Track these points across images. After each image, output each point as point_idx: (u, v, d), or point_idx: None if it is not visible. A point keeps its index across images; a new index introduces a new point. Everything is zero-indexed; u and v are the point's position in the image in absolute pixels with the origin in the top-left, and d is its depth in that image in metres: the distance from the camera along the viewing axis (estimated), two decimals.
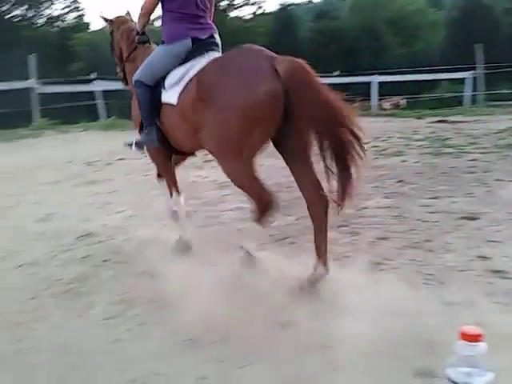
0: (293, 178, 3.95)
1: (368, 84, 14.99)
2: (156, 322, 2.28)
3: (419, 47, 32.72)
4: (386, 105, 18.55)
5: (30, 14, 49.53)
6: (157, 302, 2.46)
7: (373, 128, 9.38)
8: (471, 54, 16.70)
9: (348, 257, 2.98)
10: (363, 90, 18.58)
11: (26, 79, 11.57)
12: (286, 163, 2.63)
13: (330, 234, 2.66)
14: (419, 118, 11.41)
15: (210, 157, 6.42)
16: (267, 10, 46.39)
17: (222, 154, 2.57)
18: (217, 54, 2.81)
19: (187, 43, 2.77)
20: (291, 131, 2.47)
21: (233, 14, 47.55)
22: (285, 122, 2.43)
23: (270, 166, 6.04)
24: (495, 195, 4.29)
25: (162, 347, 2.06)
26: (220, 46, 2.94)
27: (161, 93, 2.79)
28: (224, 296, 2.24)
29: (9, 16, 46.95)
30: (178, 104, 2.66)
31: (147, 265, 2.87)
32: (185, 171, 5.86)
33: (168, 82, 2.75)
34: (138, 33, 3.09)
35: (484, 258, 2.93)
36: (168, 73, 2.77)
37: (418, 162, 5.87)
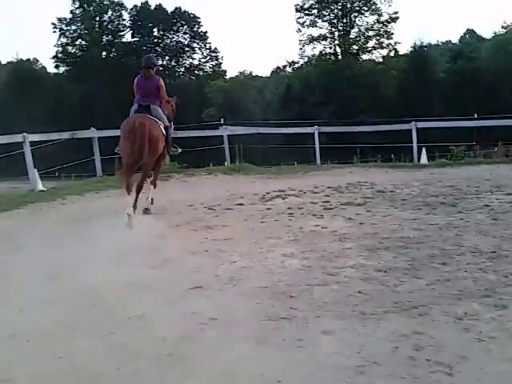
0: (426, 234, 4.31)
1: (509, 128, 13.65)
2: None
3: None
4: None
5: (173, 63, 54.71)
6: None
7: None
8: None
9: (493, 338, 2.41)
10: (504, 134, 17.08)
11: None
12: None
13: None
14: None
15: (331, 205, 6.22)
16: (401, 52, 46.13)
17: None
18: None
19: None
20: None
21: (364, 56, 47.93)
22: None
23: (395, 216, 5.61)
24: None
25: None
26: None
27: None
28: None
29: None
30: None
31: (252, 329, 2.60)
32: (303, 219, 5.68)
33: None
34: None
35: None
36: None
37: None
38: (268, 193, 7.69)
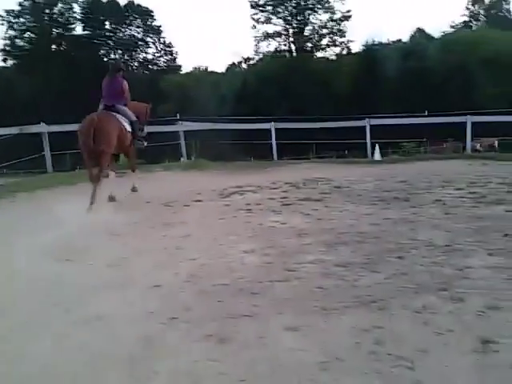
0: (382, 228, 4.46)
1: (458, 124, 14.16)
2: None
3: None
4: (478, 146, 17.50)
5: (126, 57, 53.58)
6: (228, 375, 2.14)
7: (469, 171, 8.69)
8: None
9: (451, 331, 2.48)
10: (453, 131, 17.72)
11: None
12: None
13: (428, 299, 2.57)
14: None
15: (289, 201, 6.25)
16: (354, 50, 47.08)
17: None
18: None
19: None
20: None
21: (318, 54, 48.57)
22: None
23: (351, 211, 5.70)
24: None
25: None
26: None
27: None
28: None
29: (106, 59, 50.87)
30: None
31: (213, 328, 2.56)
32: (262, 215, 5.68)
33: None
34: None
35: None
36: None
37: None
38: (226, 189, 7.65)
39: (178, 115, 14.32)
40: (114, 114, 7.10)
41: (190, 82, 45.37)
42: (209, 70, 58.72)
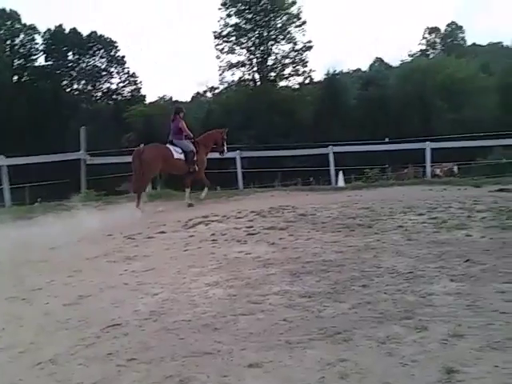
0: (346, 256, 4.65)
1: (418, 151, 14.56)
2: None
3: (470, 113, 32.20)
4: (438, 171, 17.99)
5: (89, 87, 53.20)
6: None
7: (429, 197, 8.87)
8: None
9: (416, 361, 2.45)
10: (413, 157, 18.19)
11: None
12: None
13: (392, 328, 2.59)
14: (477, 186, 10.75)
15: (254, 230, 6.22)
16: (316, 79, 48.15)
17: None
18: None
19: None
20: None
21: (282, 83, 49.42)
22: None
23: (316, 239, 5.70)
24: None
25: None
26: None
27: None
28: None
29: (68, 90, 50.41)
30: None
31: (174, 367, 2.46)
32: (227, 246, 5.61)
33: None
34: None
35: None
36: None
37: (484, 237, 5.27)
38: (191, 219, 7.55)
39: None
40: (167, 146, 9.92)
41: (155, 112, 45.21)
42: (174, 99, 58.89)
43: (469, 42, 62.46)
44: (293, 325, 3.05)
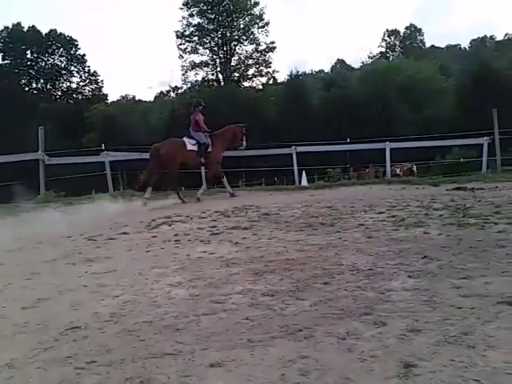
0: (309, 254, 4.76)
1: (379, 151, 14.88)
2: None
3: (429, 113, 33.07)
4: (398, 171, 18.40)
5: (49, 86, 51.80)
6: None
7: (389, 195, 9.07)
8: (481, 119, 16.63)
9: (375, 357, 2.50)
10: (374, 157, 18.56)
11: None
12: None
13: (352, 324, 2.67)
14: (435, 185, 11.07)
15: (218, 230, 6.21)
16: (279, 80, 48.42)
17: None
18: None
19: None
20: None
21: (246, 83, 49.44)
22: None
23: (279, 238, 5.74)
24: None
25: None
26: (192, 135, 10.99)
27: None
28: None
29: (27, 89, 48.96)
30: None
31: (134, 369, 2.43)
32: (190, 246, 5.58)
33: None
34: None
35: None
36: None
37: (441, 235, 5.44)
38: (154, 220, 7.48)
39: (103, 145, 13.93)
40: (183, 139, 10.89)
41: (117, 112, 44.43)
42: (137, 98, 58.10)
43: (427, 45, 64.31)
44: (255, 323, 3.06)
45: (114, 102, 52.79)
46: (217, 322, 3.12)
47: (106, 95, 54.60)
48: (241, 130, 11.69)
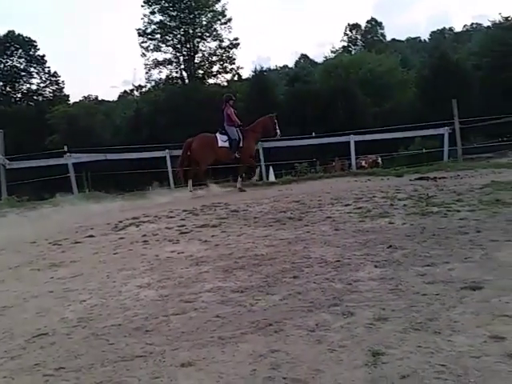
0: (278, 249, 4.84)
1: (344, 144, 15.06)
2: None
3: (391, 106, 33.70)
4: (363, 163, 18.69)
5: (8, 89, 50.31)
6: None
7: (355, 188, 9.20)
8: (442, 109, 17.03)
9: (344, 347, 2.55)
10: (340, 150, 18.79)
11: None
12: None
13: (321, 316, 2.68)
14: (399, 175, 11.29)
15: (186, 229, 6.18)
16: (244, 76, 48.38)
17: None
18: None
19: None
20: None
21: (210, 80, 49.18)
22: None
23: (248, 234, 5.76)
24: (494, 259, 3.94)
25: None
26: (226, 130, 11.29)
27: None
28: None
29: None
30: None
31: (104, 373, 2.40)
32: (158, 246, 5.54)
33: None
34: None
35: (498, 338, 2.53)
36: None
37: (405, 224, 5.56)
38: (121, 221, 7.38)
39: (65, 147, 13.63)
40: (215, 134, 11.24)
41: (80, 112, 43.53)
42: (100, 98, 57.08)
43: (388, 38, 65.41)
44: (225, 320, 3.07)
45: (76, 102, 51.71)
46: (187, 322, 3.11)
47: (68, 96, 53.55)
48: (271, 120, 11.90)
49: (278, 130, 11.88)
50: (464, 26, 70.94)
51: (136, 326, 3.09)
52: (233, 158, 11.38)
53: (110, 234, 6.62)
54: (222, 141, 11.07)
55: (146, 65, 48.75)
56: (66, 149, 13.45)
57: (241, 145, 11.33)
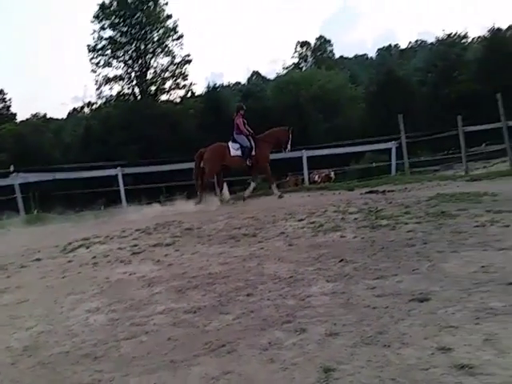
0: (232, 267, 4.81)
1: (297, 159, 15.27)
2: None
3: (342, 121, 34.54)
4: (316, 178, 18.98)
5: None
6: None
7: (308, 203, 9.32)
8: (390, 124, 17.60)
9: (296, 364, 2.56)
10: (293, 165, 19.02)
11: None
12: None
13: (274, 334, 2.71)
14: (350, 189, 11.54)
15: (139, 249, 6.07)
16: (197, 92, 48.34)
17: None
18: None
19: None
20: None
21: (163, 97, 48.84)
22: None
23: (202, 253, 5.72)
24: (440, 270, 4.07)
25: None
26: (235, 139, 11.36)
27: None
28: None
29: None
30: None
31: None
32: (109, 268, 5.41)
33: None
34: None
35: (445, 349, 2.60)
36: None
37: (356, 237, 5.66)
38: (70, 243, 7.16)
39: (12, 167, 13.16)
40: (227, 143, 11.30)
41: (28, 131, 42.16)
42: (48, 116, 55.55)
43: (337, 55, 67.23)
44: (178, 343, 3.02)
45: (23, 121, 50.08)
46: (138, 346, 3.04)
47: (15, 114, 51.85)
48: (286, 133, 11.63)
49: (289, 146, 11.68)
50: (409, 42, 73.79)
51: (84, 353, 2.99)
52: (246, 165, 11.38)
53: (58, 256, 6.41)
54: (234, 149, 11.18)
55: (96, 81, 47.96)
56: (11, 168, 12.99)
57: (253, 153, 11.31)
